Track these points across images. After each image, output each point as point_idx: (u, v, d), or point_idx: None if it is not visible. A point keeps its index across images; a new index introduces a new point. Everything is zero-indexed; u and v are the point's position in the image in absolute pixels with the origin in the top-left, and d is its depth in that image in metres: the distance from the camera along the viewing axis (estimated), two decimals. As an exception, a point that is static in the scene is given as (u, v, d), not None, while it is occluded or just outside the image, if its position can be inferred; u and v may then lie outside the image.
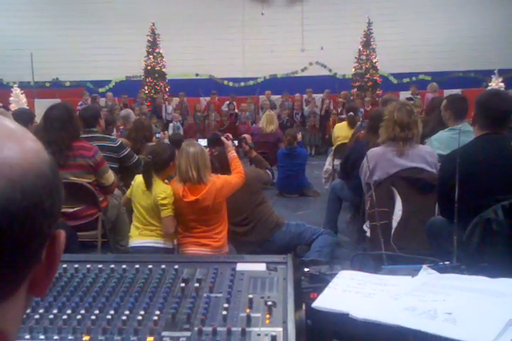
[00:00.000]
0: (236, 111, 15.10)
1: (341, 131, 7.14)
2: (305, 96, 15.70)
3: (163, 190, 3.41)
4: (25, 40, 17.86)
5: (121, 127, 8.24)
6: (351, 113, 7.42)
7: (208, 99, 16.09)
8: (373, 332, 1.04)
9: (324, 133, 13.85)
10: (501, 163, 2.79)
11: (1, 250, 0.47)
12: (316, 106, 14.94)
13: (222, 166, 3.72)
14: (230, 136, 4.04)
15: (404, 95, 14.31)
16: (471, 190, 2.68)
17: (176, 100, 16.16)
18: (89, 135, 4.31)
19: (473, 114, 3.01)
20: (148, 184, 3.41)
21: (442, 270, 1.29)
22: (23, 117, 4.85)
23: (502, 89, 12.65)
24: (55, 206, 0.52)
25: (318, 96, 15.74)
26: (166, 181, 3.56)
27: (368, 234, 3.66)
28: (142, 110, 13.59)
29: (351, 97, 15.00)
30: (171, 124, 13.72)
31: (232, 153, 3.77)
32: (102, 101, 15.50)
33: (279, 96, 15.96)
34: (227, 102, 15.70)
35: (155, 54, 17.16)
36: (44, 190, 0.51)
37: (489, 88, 13.33)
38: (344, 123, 7.48)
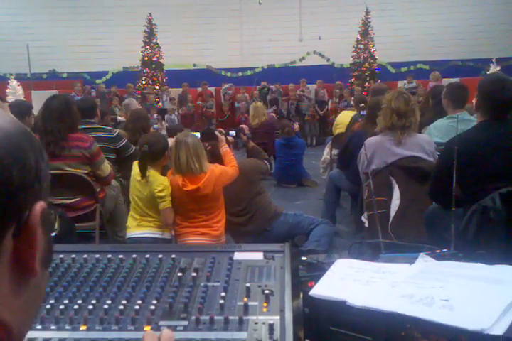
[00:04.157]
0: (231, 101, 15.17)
1: (345, 119, 7.00)
2: (313, 85, 15.73)
3: (160, 182, 3.41)
4: (21, 32, 17.76)
5: (119, 117, 8.21)
6: (362, 104, 7.27)
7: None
8: (371, 320, 1.04)
9: (325, 123, 13.88)
10: (503, 148, 2.78)
11: None
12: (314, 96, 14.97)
13: (215, 160, 3.72)
14: (223, 131, 4.06)
15: (402, 84, 14.31)
16: (472, 176, 2.68)
17: (172, 91, 16.13)
18: (87, 126, 4.30)
19: (475, 99, 3.00)
20: (143, 173, 3.40)
21: (440, 258, 1.29)
22: (21, 109, 4.82)
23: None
24: (9, 173, 0.51)
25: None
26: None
27: (366, 224, 3.67)
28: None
29: (352, 86, 14.98)
30: (166, 116, 13.64)
31: (225, 148, 3.79)
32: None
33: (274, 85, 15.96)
34: (223, 93, 15.69)
35: (152, 44, 17.06)
36: None
37: (490, 72, 13.28)
38: (350, 111, 7.37)
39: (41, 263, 0.56)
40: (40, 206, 0.55)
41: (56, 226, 3.56)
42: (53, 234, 0.60)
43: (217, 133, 3.87)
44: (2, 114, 0.56)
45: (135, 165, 3.58)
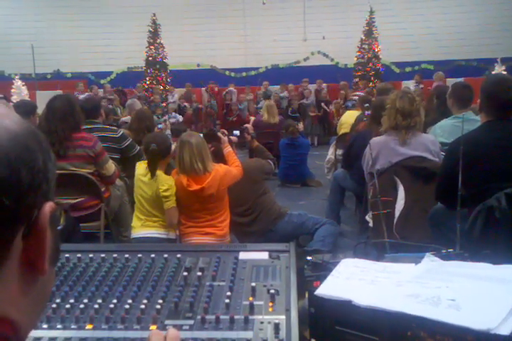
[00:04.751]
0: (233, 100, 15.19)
1: (349, 119, 6.95)
2: (314, 85, 15.71)
3: (164, 181, 3.41)
4: (25, 32, 17.80)
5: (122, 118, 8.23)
6: (367, 104, 7.24)
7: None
8: (376, 319, 1.04)
9: (328, 123, 13.86)
10: (508, 148, 2.77)
11: None
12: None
13: (218, 161, 3.73)
14: (226, 132, 4.06)
15: (406, 85, 14.26)
16: (476, 176, 2.67)
17: (176, 91, 16.15)
18: (91, 126, 4.31)
19: (478, 100, 2.99)
20: (154, 172, 3.41)
21: (445, 257, 1.29)
22: (25, 109, 4.84)
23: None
24: (18, 176, 0.51)
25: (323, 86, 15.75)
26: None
27: (371, 224, 3.66)
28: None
29: (359, 87, 14.97)
30: (164, 118, 13.57)
31: (228, 149, 3.80)
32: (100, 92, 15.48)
33: (279, 86, 15.93)
34: (224, 92, 15.70)
35: (156, 44, 17.08)
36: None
37: (494, 72, 13.23)
38: (355, 111, 7.33)
39: (49, 262, 0.56)
40: (49, 206, 0.55)
41: (62, 221, 3.58)
42: (59, 227, 0.60)
43: (219, 134, 3.88)
44: (10, 115, 0.56)
45: (138, 165, 3.59)
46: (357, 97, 8.39)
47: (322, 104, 14.68)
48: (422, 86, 14.31)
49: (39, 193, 0.53)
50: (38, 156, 0.54)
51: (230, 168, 3.61)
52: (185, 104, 14.96)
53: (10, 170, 0.50)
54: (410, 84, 14.17)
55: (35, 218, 0.53)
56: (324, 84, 15.85)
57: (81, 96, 11.30)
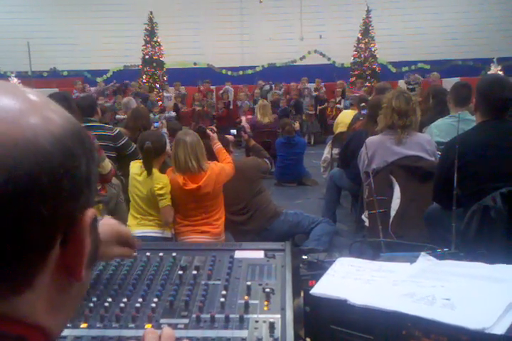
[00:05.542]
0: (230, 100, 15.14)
1: (345, 118, 6.97)
2: (312, 85, 15.69)
3: (159, 179, 3.40)
4: (22, 29, 17.73)
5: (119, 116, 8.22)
6: (363, 104, 7.27)
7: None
8: (371, 318, 1.04)
9: (325, 121, 13.85)
10: (503, 148, 2.78)
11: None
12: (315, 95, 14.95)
13: (209, 158, 3.73)
14: (215, 128, 4.05)
15: (402, 84, 14.29)
16: (471, 176, 2.68)
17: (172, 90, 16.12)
18: (87, 124, 4.30)
19: (474, 100, 3.00)
20: (150, 170, 3.40)
21: (440, 257, 1.29)
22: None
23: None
24: (59, 185, 0.47)
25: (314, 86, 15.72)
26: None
27: (367, 223, 3.66)
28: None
29: (356, 86, 14.96)
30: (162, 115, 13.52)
31: (218, 145, 3.80)
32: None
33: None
34: (221, 91, 15.67)
35: (153, 43, 17.04)
36: (41, 168, 0.46)
37: (490, 72, 13.27)
38: (351, 111, 7.34)
39: (86, 266, 0.53)
40: (91, 213, 0.52)
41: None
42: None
43: (208, 131, 3.87)
44: (55, 109, 0.52)
45: (133, 164, 3.58)
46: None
47: (318, 105, 14.66)
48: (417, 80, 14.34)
49: (80, 201, 0.50)
50: (82, 161, 0.51)
51: (223, 165, 3.62)
52: (176, 102, 14.88)
53: (51, 179, 0.46)
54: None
55: (75, 226, 0.50)
56: (322, 83, 15.83)
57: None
